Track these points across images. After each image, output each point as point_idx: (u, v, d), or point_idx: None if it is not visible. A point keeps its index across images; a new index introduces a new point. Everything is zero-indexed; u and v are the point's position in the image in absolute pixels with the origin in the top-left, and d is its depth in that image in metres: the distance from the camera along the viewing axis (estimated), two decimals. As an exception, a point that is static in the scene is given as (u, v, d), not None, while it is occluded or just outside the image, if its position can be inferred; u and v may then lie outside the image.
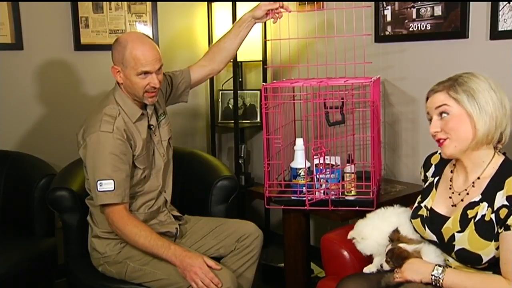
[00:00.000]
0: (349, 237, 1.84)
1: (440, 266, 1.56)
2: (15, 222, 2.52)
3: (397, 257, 1.64)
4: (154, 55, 1.98)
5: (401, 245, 1.65)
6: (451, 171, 1.68)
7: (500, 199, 1.49)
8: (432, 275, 1.54)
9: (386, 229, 1.75)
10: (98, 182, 1.92)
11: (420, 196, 1.76)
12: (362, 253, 1.81)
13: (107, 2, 2.99)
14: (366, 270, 1.78)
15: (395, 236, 1.70)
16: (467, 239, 1.53)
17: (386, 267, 1.67)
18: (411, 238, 1.70)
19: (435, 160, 1.77)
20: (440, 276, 1.53)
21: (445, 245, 1.61)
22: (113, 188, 1.92)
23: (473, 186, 1.58)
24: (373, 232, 1.77)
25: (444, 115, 1.54)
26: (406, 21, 2.49)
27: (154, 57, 1.98)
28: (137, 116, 2.05)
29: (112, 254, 2.04)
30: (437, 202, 1.68)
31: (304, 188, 2.18)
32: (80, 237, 2.21)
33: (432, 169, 1.77)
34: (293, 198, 2.20)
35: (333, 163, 2.16)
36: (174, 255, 1.91)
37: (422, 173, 1.82)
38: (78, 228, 2.22)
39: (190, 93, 2.40)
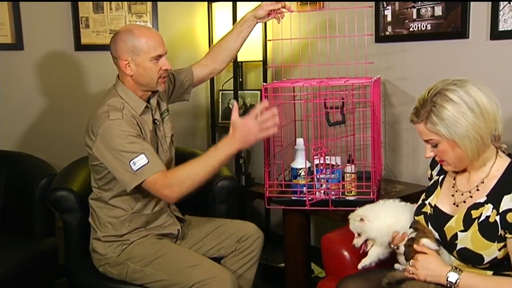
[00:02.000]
0: (350, 217, 1.84)
1: (456, 268, 1.54)
2: (15, 222, 2.52)
3: (409, 252, 1.63)
4: (161, 37, 2.04)
5: (424, 240, 1.63)
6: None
7: (507, 203, 1.50)
8: (447, 278, 1.53)
9: (388, 217, 1.77)
10: (131, 162, 1.86)
11: (424, 194, 1.77)
12: (352, 231, 1.81)
13: (108, 2, 2.99)
14: (360, 266, 1.79)
15: (420, 227, 1.68)
16: (470, 239, 1.54)
17: (402, 250, 1.67)
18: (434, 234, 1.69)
19: None
20: (458, 279, 1.52)
21: (447, 244, 1.61)
22: (147, 161, 1.86)
23: (477, 189, 1.59)
24: (379, 216, 1.78)
25: (433, 146, 1.58)
26: (407, 21, 2.49)
27: (162, 40, 2.03)
28: (142, 109, 2.03)
29: (113, 256, 2.04)
30: (441, 200, 1.69)
31: (304, 188, 2.18)
32: (81, 237, 2.21)
33: (437, 168, 1.77)
34: (293, 198, 2.21)
35: (334, 163, 2.16)
36: (230, 146, 1.85)
37: (429, 172, 1.82)
38: (79, 228, 2.21)
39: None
